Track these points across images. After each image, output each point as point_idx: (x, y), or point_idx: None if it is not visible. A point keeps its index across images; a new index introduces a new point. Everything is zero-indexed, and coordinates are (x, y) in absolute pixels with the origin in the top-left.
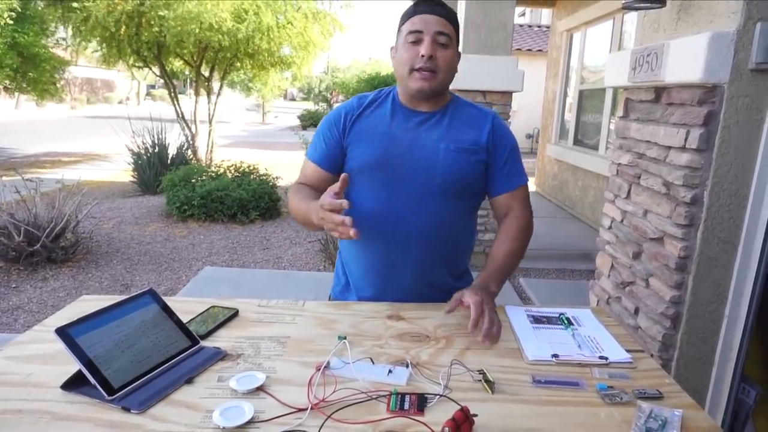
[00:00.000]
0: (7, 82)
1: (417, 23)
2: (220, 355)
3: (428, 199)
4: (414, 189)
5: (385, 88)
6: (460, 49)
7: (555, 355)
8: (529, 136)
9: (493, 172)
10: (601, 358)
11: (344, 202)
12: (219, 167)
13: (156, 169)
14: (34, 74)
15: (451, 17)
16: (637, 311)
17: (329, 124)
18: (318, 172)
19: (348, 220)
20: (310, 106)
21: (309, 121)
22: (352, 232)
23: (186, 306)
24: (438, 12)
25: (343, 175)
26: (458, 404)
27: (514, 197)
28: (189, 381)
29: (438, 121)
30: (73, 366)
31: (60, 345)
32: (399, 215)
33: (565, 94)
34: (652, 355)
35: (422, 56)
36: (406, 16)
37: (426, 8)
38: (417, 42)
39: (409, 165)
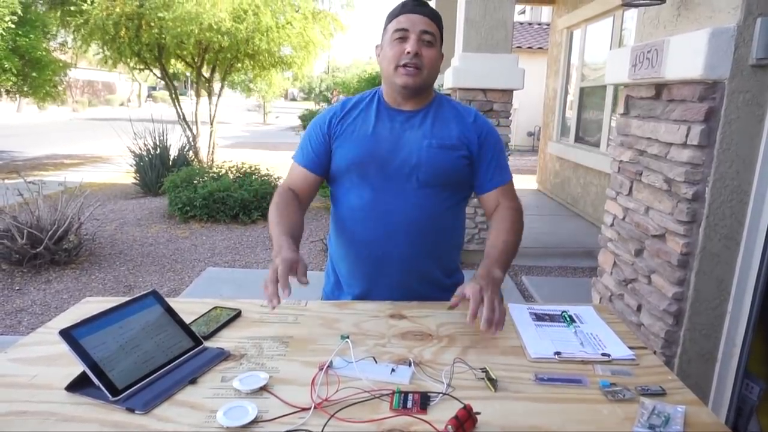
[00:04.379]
0: (9, 85)
1: (403, 22)
2: (223, 356)
3: (413, 194)
4: (398, 184)
5: (369, 90)
6: (460, 47)
7: (557, 353)
8: (530, 134)
9: (480, 170)
10: (603, 355)
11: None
12: (220, 168)
13: (158, 171)
14: (36, 77)
15: (435, 18)
16: (639, 308)
17: (316, 128)
18: (305, 175)
19: (276, 301)
20: (311, 105)
21: (310, 121)
22: (274, 303)
23: (189, 307)
24: (424, 12)
25: (300, 279)
26: (461, 402)
27: (502, 193)
28: (192, 381)
29: (422, 120)
30: (78, 367)
31: (64, 347)
32: (384, 211)
33: (566, 92)
34: (654, 352)
35: (408, 53)
36: (393, 16)
37: (412, 8)
38: (403, 40)
39: (393, 163)
